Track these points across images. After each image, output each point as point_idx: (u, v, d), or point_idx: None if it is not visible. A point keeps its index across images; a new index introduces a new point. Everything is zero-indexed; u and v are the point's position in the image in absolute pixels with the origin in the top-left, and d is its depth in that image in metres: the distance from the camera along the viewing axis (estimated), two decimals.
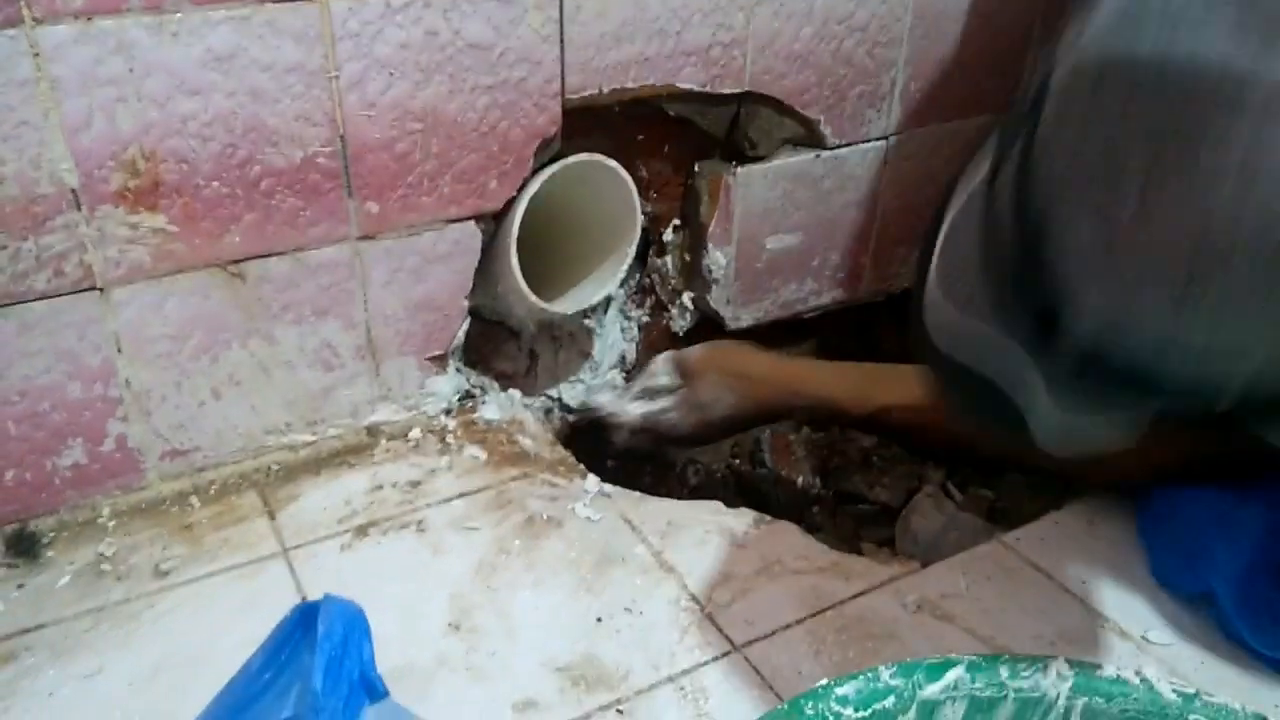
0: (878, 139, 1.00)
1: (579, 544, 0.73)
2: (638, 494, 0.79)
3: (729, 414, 0.90)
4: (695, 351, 0.94)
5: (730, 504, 0.80)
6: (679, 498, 0.82)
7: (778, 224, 0.99)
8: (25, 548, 0.71)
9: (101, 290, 0.69)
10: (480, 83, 0.76)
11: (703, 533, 0.75)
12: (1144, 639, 0.66)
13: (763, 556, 0.72)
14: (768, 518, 0.77)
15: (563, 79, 0.80)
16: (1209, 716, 0.48)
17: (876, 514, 1.01)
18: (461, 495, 0.78)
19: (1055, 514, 0.77)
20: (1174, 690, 0.49)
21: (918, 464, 1.05)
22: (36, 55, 0.61)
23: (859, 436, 1.09)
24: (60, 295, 0.68)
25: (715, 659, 0.64)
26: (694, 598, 0.68)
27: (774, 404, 0.90)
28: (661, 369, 0.93)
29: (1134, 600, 0.69)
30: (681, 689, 0.61)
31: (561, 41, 0.79)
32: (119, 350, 0.72)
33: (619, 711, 0.60)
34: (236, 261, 0.73)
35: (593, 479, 0.80)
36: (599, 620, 0.66)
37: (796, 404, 0.90)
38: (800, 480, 1.04)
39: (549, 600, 0.68)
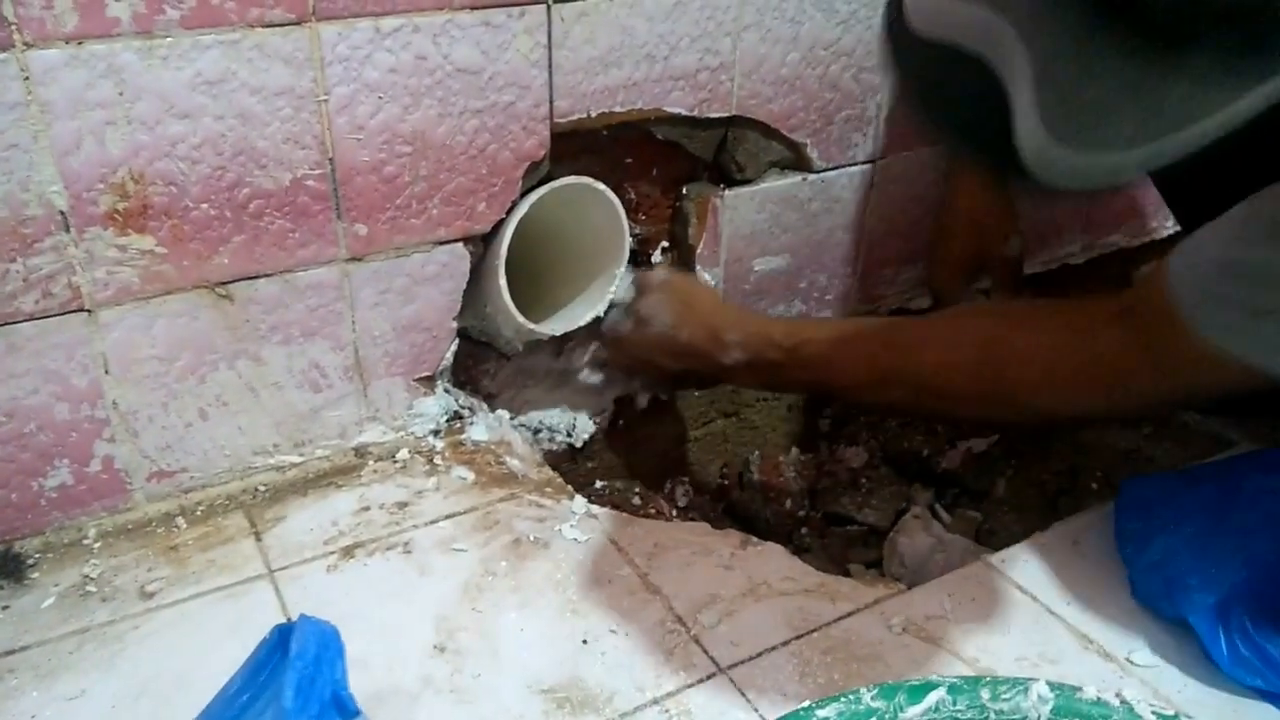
0: (864, 162, 1.01)
1: (565, 565, 0.73)
2: (624, 515, 0.79)
3: (662, 333, 0.89)
4: (657, 272, 0.95)
5: (717, 525, 0.80)
6: (666, 519, 0.82)
7: (765, 246, 0.99)
8: (10, 569, 0.71)
9: (90, 311, 0.70)
10: (469, 106, 0.77)
11: (689, 554, 0.75)
12: (1127, 660, 0.66)
13: (749, 578, 0.72)
14: (754, 539, 0.77)
15: (551, 103, 0.81)
16: None
17: (864, 535, 1.01)
18: (449, 516, 0.78)
19: (1040, 535, 0.77)
20: (1154, 713, 0.49)
21: (906, 485, 1.06)
22: (27, 79, 0.62)
23: (848, 457, 1.10)
24: (48, 316, 0.68)
25: (701, 681, 0.64)
26: (680, 619, 0.68)
27: (702, 341, 0.88)
28: (624, 284, 0.93)
29: (1118, 622, 0.69)
30: (667, 711, 0.61)
31: (550, 66, 0.79)
32: (106, 371, 0.72)
33: None
34: (225, 283, 0.73)
35: (580, 500, 0.80)
36: (585, 642, 0.66)
37: (726, 341, 0.86)
38: (788, 501, 1.04)
39: (535, 622, 0.68)
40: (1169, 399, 0.71)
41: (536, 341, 0.92)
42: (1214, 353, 0.60)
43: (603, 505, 0.81)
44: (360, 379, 0.82)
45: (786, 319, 0.94)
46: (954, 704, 0.49)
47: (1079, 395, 0.70)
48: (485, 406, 0.92)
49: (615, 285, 0.90)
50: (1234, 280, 0.59)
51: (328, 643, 0.44)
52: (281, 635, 0.44)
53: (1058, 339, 0.70)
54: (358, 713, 0.44)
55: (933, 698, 0.49)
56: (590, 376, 0.94)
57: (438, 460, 0.85)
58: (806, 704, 0.48)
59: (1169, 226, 1.30)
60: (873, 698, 0.48)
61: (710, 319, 0.89)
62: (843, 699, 0.48)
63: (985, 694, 0.50)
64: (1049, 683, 0.50)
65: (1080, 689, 0.50)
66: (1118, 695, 0.50)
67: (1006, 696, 0.50)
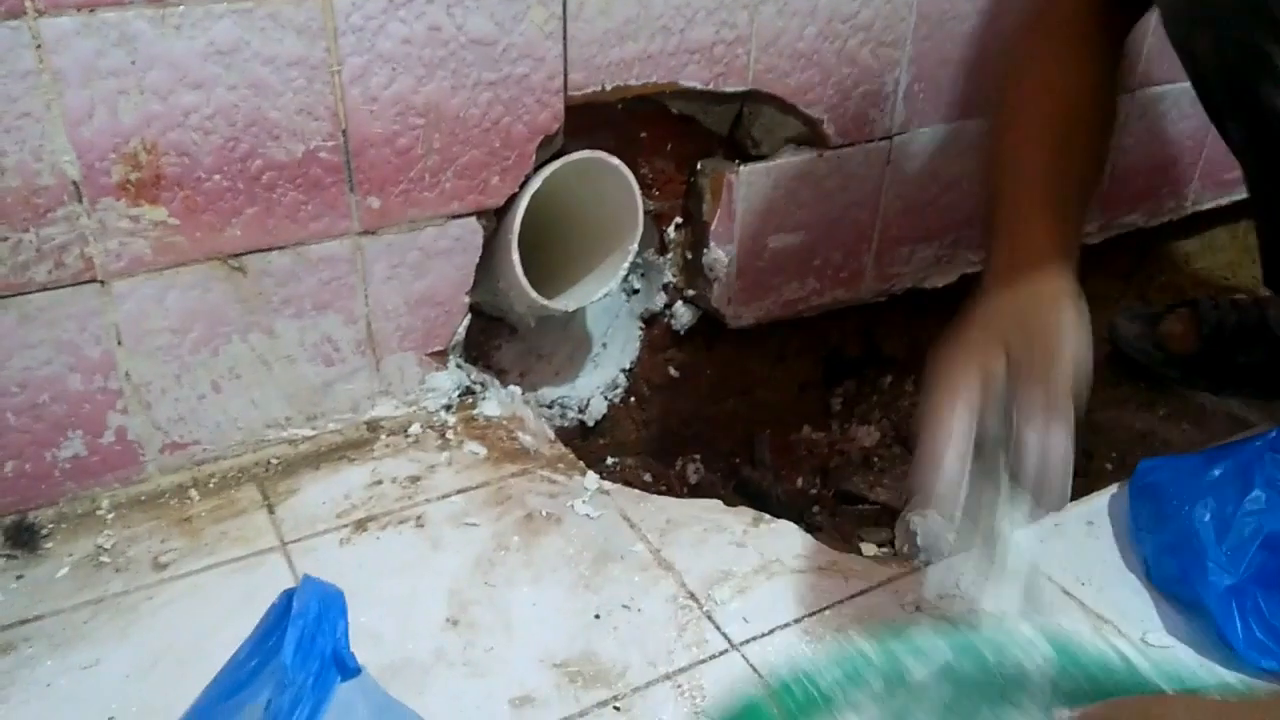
0: (881, 139, 1.00)
1: (578, 541, 0.73)
2: (637, 492, 0.79)
3: None
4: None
5: (729, 503, 0.80)
6: (678, 496, 0.82)
7: (780, 223, 0.99)
8: (24, 539, 0.71)
9: (102, 282, 0.69)
10: (483, 78, 0.76)
11: (701, 531, 0.75)
12: (1142, 641, 0.66)
13: (761, 555, 0.72)
14: (767, 517, 0.77)
15: (565, 76, 0.80)
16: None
17: (877, 514, 1.01)
18: (461, 491, 0.78)
19: (1054, 515, 0.77)
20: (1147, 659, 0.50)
21: None
22: (39, 47, 0.61)
23: (860, 436, 1.09)
24: (61, 287, 0.68)
25: (713, 657, 0.64)
26: (692, 595, 0.68)
27: None
28: None
29: (1132, 602, 0.69)
30: (679, 686, 0.61)
31: (565, 38, 0.78)
32: (119, 343, 0.72)
33: (616, 708, 0.60)
34: (237, 255, 0.73)
35: (592, 476, 0.80)
36: (597, 617, 0.66)
37: None
38: (800, 480, 1.04)
39: (547, 596, 0.68)
40: None
41: (549, 316, 0.91)
42: None
43: (614, 482, 0.81)
44: (373, 353, 0.82)
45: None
46: (954, 658, 0.50)
47: None
48: (497, 382, 0.92)
49: (628, 262, 0.90)
50: None
51: (330, 602, 0.44)
52: (289, 599, 0.44)
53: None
54: (359, 670, 0.44)
55: (931, 651, 0.50)
56: None
57: (450, 435, 0.85)
58: (810, 659, 0.49)
59: (1187, 207, 1.29)
60: (873, 653, 0.49)
61: None
62: (844, 655, 0.49)
63: (986, 649, 0.50)
64: (1047, 638, 0.50)
65: (1076, 644, 0.50)
66: (1115, 649, 0.50)
67: (1007, 650, 0.51)
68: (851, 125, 0.97)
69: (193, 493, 0.77)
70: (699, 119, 0.91)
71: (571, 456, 0.84)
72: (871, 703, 0.48)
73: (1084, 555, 0.73)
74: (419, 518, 0.75)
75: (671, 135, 0.92)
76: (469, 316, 0.86)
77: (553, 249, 0.91)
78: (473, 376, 0.89)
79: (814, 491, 1.04)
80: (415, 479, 0.79)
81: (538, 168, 0.82)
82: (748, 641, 0.65)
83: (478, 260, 0.84)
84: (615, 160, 0.84)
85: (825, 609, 0.67)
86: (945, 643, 0.50)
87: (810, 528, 0.84)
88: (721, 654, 0.64)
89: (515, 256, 0.81)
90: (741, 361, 1.08)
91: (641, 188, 0.88)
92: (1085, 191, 0.71)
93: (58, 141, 0.64)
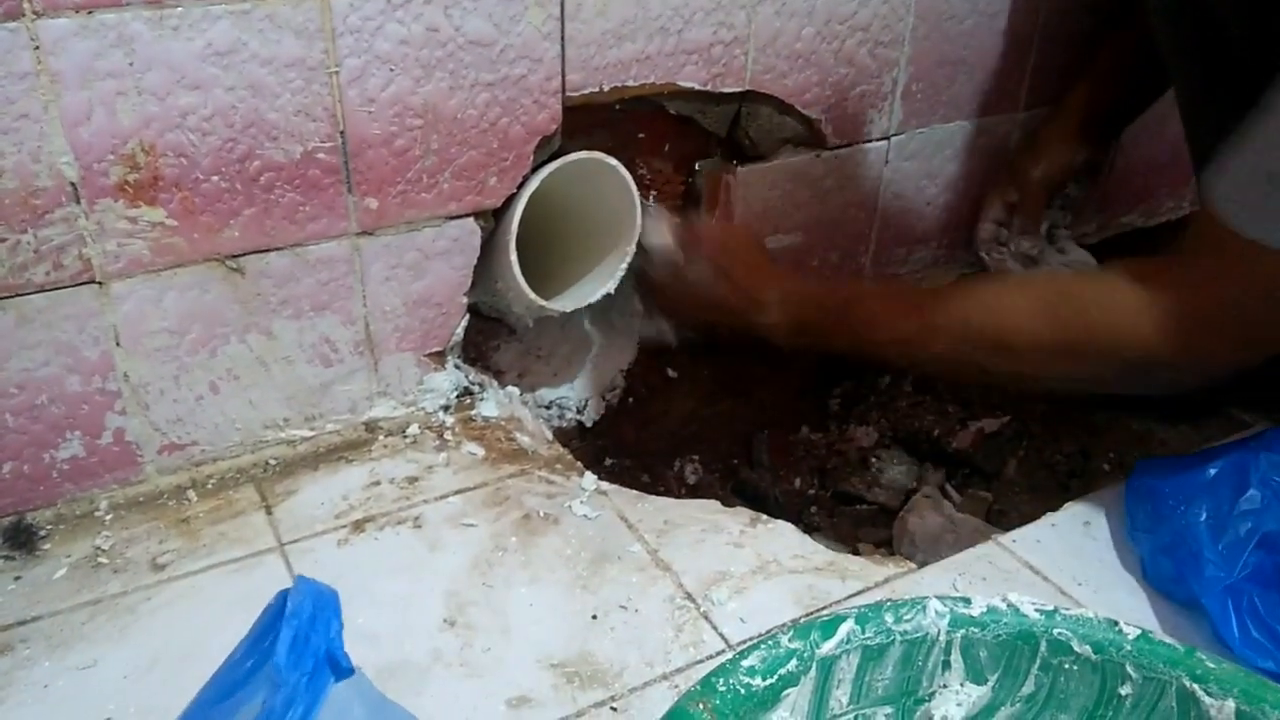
0: (879, 139, 1.00)
1: (575, 541, 0.73)
2: (635, 492, 0.79)
3: (698, 288, 0.90)
4: (703, 224, 0.94)
5: (727, 503, 0.80)
6: (676, 496, 0.82)
7: (778, 223, 0.99)
8: (22, 540, 0.71)
9: (100, 283, 0.70)
10: (481, 79, 0.76)
11: (699, 531, 0.75)
12: None
13: (759, 555, 0.72)
14: (764, 517, 0.77)
15: (563, 76, 0.80)
16: (1068, 627, 0.50)
17: (874, 515, 1.01)
18: (459, 492, 0.78)
19: (1052, 515, 0.77)
20: (1037, 610, 0.51)
21: (916, 465, 1.05)
22: (37, 48, 0.62)
23: (859, 436, 1.09)
24: (59, 288, 0.68)
25: (710, 657, 0.64)
26: (689, 596, 0.68)
27: (739, 299, 0.88)
28: (661, 228, 0.91)
29: (1129, 602, 0.69)
30: (676, 687, 0.61)
31: (562, 39, 0.79)
32: (117, 344, 0.72)
33: (613, 709, 0.60)
34: (235, 256, 0.73)
35: (590, 477, 0.80)
36: (594, 617, 0.66)
37: (764, 301, 0.86)
38: (798, 481, 1.04)
39: (545, 597, 0.68)
40: (1259, 338, 0.66)
41: (547, 317, 0.91)
42: None
43: (612, 482, 0.81)
44: (371, 354, 0.82)
45: (825, 283, 0.98)
46: (863, 632, 0.50)
47: (1166, 339, 0.65)
48: (495, 382, 0.92)
49: (626, 263, 0.90)
50: None
51: (324, 603, 0.44)
52: (283, 600, 0.44)
53: (1133, 286, 0.67)
54: (352, 670, 0.44)
55: (843, 630, 0.50)
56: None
57: (448, 436, 0.85)
58: (731, 656, 0.49)
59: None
60: (790, 640, 0.49)
61: (749, 278, 0.88)
62: (763, 646, 0.49)
63: (889, 618, 0.51)
64: (939, 598, 0.51)
65: (970, 601, 0.51)
66: (1004, 599, 0.51)
67: (908, 617, 0.51)
68: (849, 126, 0.97)
69: (191, 494, 0.77)
70: (697, 120, 0.91)
71: (569, 457, 0.84)
72: (797, 693, 0.49)
73: (1081, 555, 0.73)
74: (417, 519, 0.75)
75: (669, 136, 0.92)
76: (467, 317, 0.86)
77: (551, 250, 0.91)
78: (471, 377, 0.89)
79: (812, 492, 1.04)
80: (413, 480, 0.79)
81: (535, 168, 0.83)
82: (745, 642, 0.65)
83: (475, 261, 0.84)
84: (613, 161, 0.84)
85: (823, 609, 0.67)
86: (849, 615, 0.50)
87: (808, 528, 0.85)
88: (719, 654, 0.64)
89: (513, 257, 0.81)
90: (740, 362, 1.08)
91: (640, 188, 0.88)
92: None
93: (56, 143, 0.64)
